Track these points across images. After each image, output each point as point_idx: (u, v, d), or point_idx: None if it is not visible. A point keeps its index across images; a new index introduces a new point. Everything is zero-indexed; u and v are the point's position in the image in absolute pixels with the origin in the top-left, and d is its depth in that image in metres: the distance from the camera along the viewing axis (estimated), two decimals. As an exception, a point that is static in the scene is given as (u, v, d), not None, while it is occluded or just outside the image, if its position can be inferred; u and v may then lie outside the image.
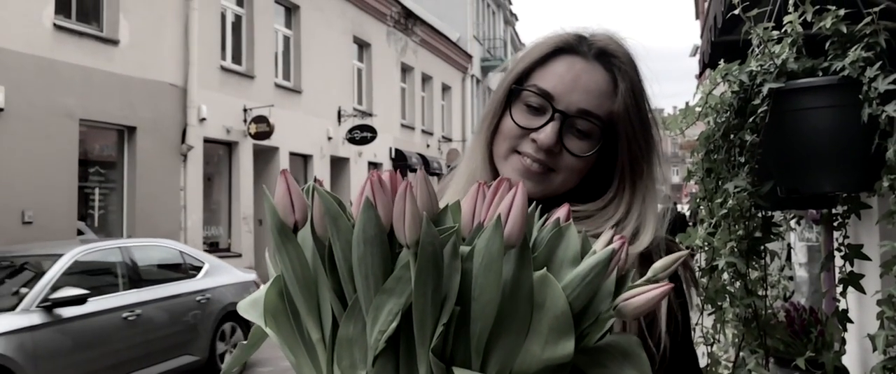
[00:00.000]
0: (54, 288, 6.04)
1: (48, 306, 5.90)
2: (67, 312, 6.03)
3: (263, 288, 0.75)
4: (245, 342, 0.80)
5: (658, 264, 0.75)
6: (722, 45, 3.58)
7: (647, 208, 1.05)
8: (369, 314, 0.66)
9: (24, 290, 6.06)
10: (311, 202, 0.72)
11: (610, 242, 0.73)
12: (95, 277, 6.83)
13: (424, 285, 0.64)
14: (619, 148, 1.05)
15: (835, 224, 2.49)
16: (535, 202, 0.76)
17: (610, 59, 1.07)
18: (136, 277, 7.10)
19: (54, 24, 10.13)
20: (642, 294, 0.68)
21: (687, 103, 2.59)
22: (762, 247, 2.01)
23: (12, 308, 5.80)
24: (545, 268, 0.68)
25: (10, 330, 5.55)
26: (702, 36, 4.50)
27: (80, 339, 6.12)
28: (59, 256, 6.42)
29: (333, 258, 0.69)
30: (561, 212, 0.77)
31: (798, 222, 3.39)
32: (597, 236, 0.76)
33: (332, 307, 0.71)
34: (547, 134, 1.03)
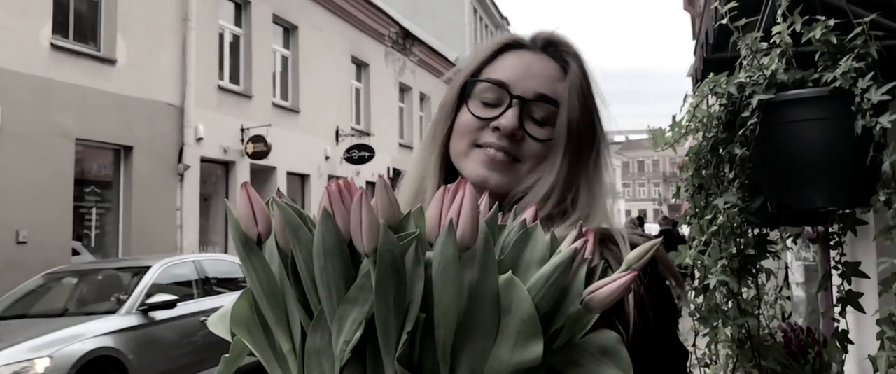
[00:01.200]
0: (148, 294, 7.35)
1: (145, 309, 7.23)
2: (159, 315, 7.32)
3: (230, 303, 0.75)
4: (227, 356, 0.78)
5: (632, 255, 0.76)
6: (714, 62, 3.54)
7: (596, 199, 1.04)
8: (334, 324, 0.66)
9: (122, 296, 7.38)
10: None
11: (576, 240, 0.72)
12: (176, 286, 7.95)
13: (385, 293, 0.63)
14: (568, 129, 1.05)
15: (831, 243, 2.43)
16: (496, 203, 0.76)
17: (557, 48, 1.09)
18: (208, 286, 8.38)
19: (51, 44, 10.12)
20: (607, 285, 0.68)
21: (674, 117, 2.54)
22: (757, 265, 1.94)
23: (115, 311, 7.12)
24: (512, 271, 0.67)
25: (117, 329, 6.85)
26: (695, 53, 4.47)
27: (169, 337, 7.38)
28: (148, 267, 7.73)
29: (297, 270, 0.69)
30: (528, 213, 0.76)
31: (794, 241, 3.33)
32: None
33: (300, 319, 0.70)
34: (509, 118, 1.03)
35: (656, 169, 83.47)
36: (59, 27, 10.44)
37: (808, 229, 3.76)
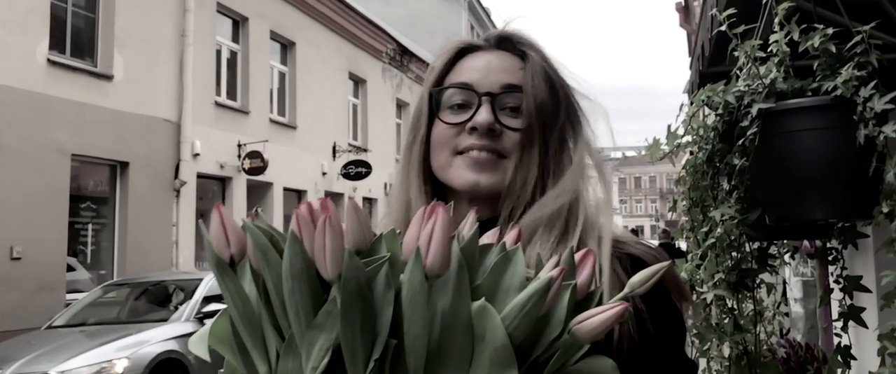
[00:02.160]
0: (204, 303, 7.97)
1: (201, 317, 7.76)
2: None
3: (209, 324, 0.74)
4: (222, 372, 0.78)
5: (635, 278, 0.73)
6: (710, 76, 3.52)
7: (578, 197, 1.00)
8: (303, 349, 0.64)
9: (178, 306, 8.18)
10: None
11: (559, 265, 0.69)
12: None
13: (351, 320, 0.62)
14: (538, 113, 1.03)
15: (830, 258, 2.39)
16: (476, 226, 0.73)
17: (511, 42, 1.08)
18: None
19: (48, 60, 10.10)
20: (597, 315, 0.66)
21: (669, 126, 2.48)
22: (755, 279, 1.89)
23: (167, 319, 7.80)
24: (490, 296, 0.66)
25: (178, 335, 7.38)
26: (691, 67, 4.45)
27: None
28: (201, 280, 8.39)
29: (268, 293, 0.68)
30: (510, 236, 0.73)
31: (792, 257, 3.28)
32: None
33: (275, 341, 0.69)
34: (483, 115, 1.01)
35: (653, 185, 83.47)
36: (56, 43, 10.43)
37: (806, 243, 3.71)
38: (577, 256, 0.75)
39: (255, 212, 0.72)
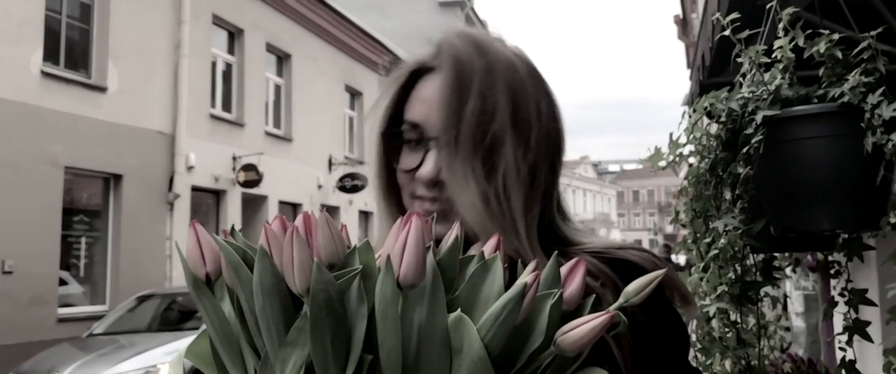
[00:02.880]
0: None
1: None
2: None
3: (186, 343, 0.75)
4: None
5: (631, 287, 0.72)
6: (711, 87, 3.48)
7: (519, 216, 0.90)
8: (276, 367, 0.63)
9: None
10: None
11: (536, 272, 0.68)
12: None
13: (321, 335, 0.60)
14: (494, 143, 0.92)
15: (832, 271, 2.35)
16: (455, 235, 0.71)
17: (462, 65, 0.94)
18: None
19: (42, 71, 10.06)
20: (582, 325, 0.65)
21: (671, 135, 2.43)
22: (760, 292, 1.84)
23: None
24: (467, 308, 0.64)
25: None
26: (690, 78, 4.42)
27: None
28: None
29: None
30: (489, 244, 0.72)
31: (794, 270, 3.24)
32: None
33: (252, 360, 0.68)
34: (426, 168, 0.93)
35: (651, 199, 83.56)
36: (50, 54, 10.38)
37: (808, 257, 3.67)
38: (565, 266, 0.72)
39: (230, 229, 0.71)
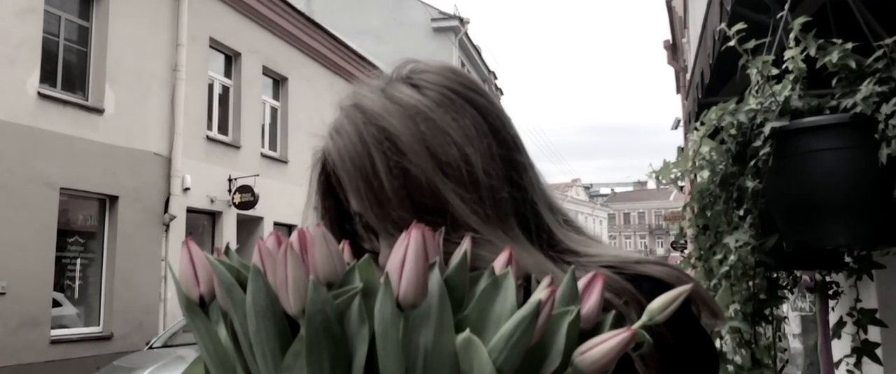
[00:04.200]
0: None
1: None
2: None
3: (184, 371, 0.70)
4: None
5: (654, 304, 0.66)
6: (710, 106, 3.47)
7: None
8: None
9: None
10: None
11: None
12: None
13: (319, 360, 0.56)
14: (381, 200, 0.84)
15: (830, 292, 2.30)
16: (465, 251, 0.65)
17: (348, 153, 0.86)
18: None
19: (39, 93, 10.02)
20: (601, 344, 0.60)
21: (680, 148, 2.40)
22: (772, 310, 1.79)
23: None
24: (476, 328, 0.59)
25: None
26: (687, 96, 4.39)
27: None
28: None
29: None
30: (501, 258, 0.66)
31: (791, 290, 3.19)
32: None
33: None
34: (383, 256, 0.87)
35: (642, 221, 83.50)
36: (47, 76, 10.36)
37: (805, 277, 3.62)
38: (582, 281, 0.67)
39: (225, 247, 0.66)
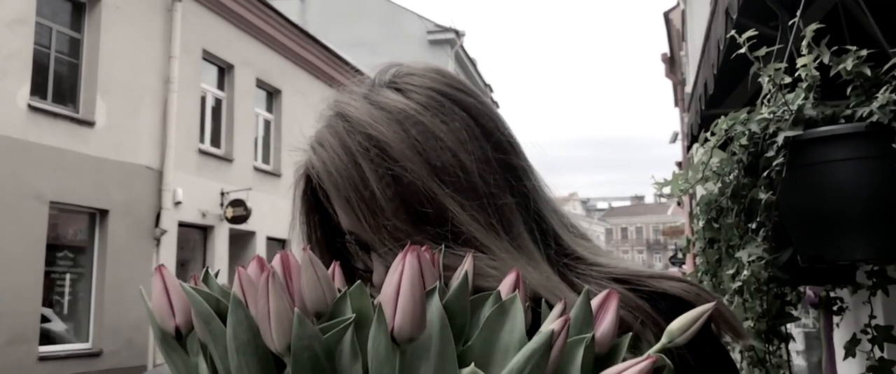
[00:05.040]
0: None
1: None
2: None
3: None
4: None
5: (675, 325, 0.60)
6: (713, 118, 3.42)
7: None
8: None
9: None
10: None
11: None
12: None
13: None
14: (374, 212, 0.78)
15: (835, 308, 2.24)
16: (466, 272, 0.59)
17: (334, 166, 0.80)
18: None
19: (29, 105, 9.93)
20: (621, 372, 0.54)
21: (690, 159, 2.35)
22: (786, 327, 1.72)
23: None
24: (482, 362, 0.53)
25: None
26: (688, 108, 4.34)
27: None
28: None
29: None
30: (507, 280, 0.59)
31: (796, 306, 3.13)
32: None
33: None
34: (377, 274, 0.81)
35: (639, 236, 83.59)
36: (38, 89, 10.27)
37: (810, 292, 3.57)
38: (596, 300, 0.61)
39: (203, 273, 0.61)
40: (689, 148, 4.58)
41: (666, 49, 19.56)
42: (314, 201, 0.88)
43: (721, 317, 0.78)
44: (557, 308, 0.58)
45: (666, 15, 18.76)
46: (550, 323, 0.54)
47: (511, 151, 0.83)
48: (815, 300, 3.78)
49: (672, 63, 19.39)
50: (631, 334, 0.62)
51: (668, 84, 20.89)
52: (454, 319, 0.54)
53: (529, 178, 0.83)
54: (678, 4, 16.10)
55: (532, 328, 0.55)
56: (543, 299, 0.64)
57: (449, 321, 0.52)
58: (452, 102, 0.81)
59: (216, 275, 0.62)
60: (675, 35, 17.80)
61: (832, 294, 2.36)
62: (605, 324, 0.60)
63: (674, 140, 25.14)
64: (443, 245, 0.69)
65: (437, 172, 0.76)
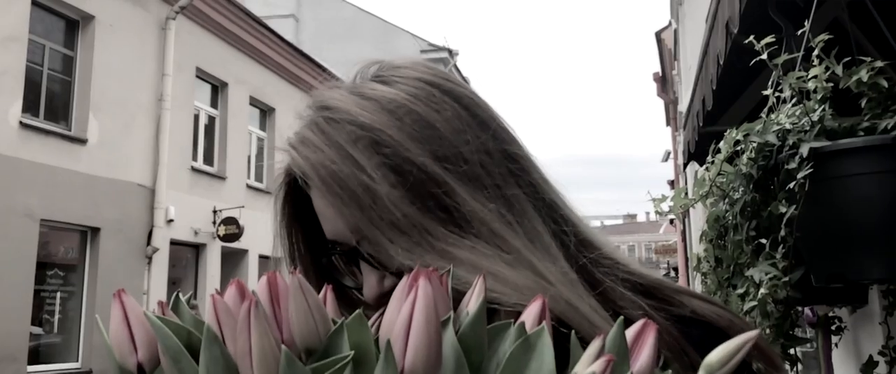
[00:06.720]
0: None
1: None
2: None
3: None
4: None
5: (714, 357, 0.50)
6: (710, 136, 3.36)
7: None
8: None
9: None
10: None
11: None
12: None
13: None
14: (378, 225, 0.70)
15: (833, 328, 2.18)
16: (481, 299, 0.49)
17: (320, 161, 0.73)
18: None
19: (21, 122, 9.84)
20: None
21: (696, 173, 2.29)
22: (796, 350, 1.66)
23: None
24: None
25: None
26: (685, 126, 4.29)
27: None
28: None
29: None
30: (531, 309, 0.48)
31: (796, 326, 3.07)
32: None
33: None
34: (369, 287, 0.73)
35: (632, 254, 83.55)
36: (30, 106, 10.19)
37: (808, 312, 3.52)
38: (631, 331, 0.53)
39: (173, 298, 0.52)
40: (684, 166, 4.52)
41: (658, 68, 19.57)
42: (297, 211, 0.81)
43: (756, 346, 0.71)
44: (594, 346, 0.48)
45: (658, 35, 18.78)
46: (587, 367, 0.45)
47: (510, 140, 0.76)
48: (813, 320, 3.72)
49: (664, 82, 19.41)
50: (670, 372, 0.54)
51: (660, 103, 20.91)
52: (469, 355, 0.45)
53: (535, 169, 0.77)
54: (670, 24, 16.12)
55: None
56: (573, 331, 0.57)
57: (465, 356, 0.44)
58: (444, 92, 0.75)
59: (173, 303, 0.54)
60: (667, 54, 17.82)
61: (830, 314, 2.30)
62: (641, 360, 0.52)
63: (666, 159, 25.14)
64: (450, 268, 0.61)
65: (439, 159, 0.69)
